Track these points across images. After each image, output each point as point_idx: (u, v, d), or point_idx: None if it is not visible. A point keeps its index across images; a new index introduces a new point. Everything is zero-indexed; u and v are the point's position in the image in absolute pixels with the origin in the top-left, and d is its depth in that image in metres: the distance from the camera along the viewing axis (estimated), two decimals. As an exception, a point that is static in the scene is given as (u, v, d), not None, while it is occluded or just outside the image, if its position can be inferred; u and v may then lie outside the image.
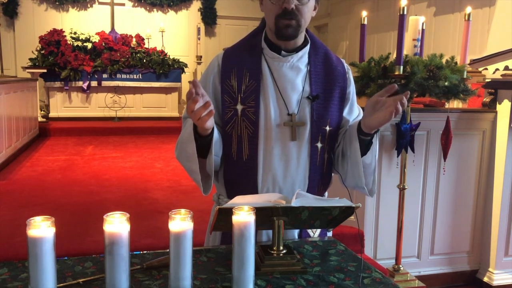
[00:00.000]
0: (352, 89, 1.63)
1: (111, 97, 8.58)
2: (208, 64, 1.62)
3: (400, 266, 3.01)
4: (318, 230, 1.61)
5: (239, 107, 1.50)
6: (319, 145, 1.53)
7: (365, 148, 1.49)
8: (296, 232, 1.57)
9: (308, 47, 1.56)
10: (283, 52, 1.53)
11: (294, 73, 1.53)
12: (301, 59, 1.55)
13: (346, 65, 1.64)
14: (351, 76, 1.63)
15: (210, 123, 1.33)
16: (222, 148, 1.52)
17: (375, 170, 1.54)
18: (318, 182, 1.57)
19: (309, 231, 1.59)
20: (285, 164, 1.51)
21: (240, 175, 1.52)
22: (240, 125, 1.50)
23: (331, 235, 1.67)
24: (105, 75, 8.42)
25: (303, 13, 1.47)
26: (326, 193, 1.65)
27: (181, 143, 1.49)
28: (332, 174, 1.64)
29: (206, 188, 1.50)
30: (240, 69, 1.53)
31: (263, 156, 1.50)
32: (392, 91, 1.39)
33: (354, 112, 1.64)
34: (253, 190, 1.50)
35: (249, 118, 1.50)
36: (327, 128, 1.54)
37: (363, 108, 1.67)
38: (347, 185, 1.57)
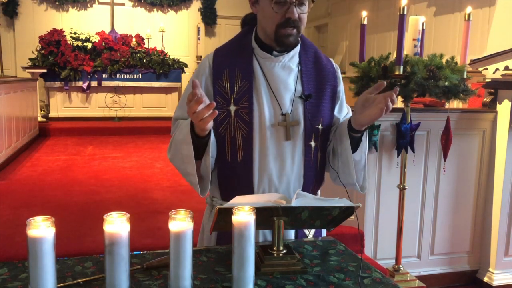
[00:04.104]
0: (341, 87, 1.64)
1: (111, 97, 8.58)
2: (198, 65, 1.60)
3: (400, 266, 3.01)
4: (313, 230, 1.62)
5: (232, 108, 1.50)
6: (312, 144, 1.54)
7: (355, 145, 1.50)
8: (292, 232, 1.58)
9: (298, 46, 1.56)
10: (274, 52, 1.52)
11: (286, 72, 1.53)
12: (292, 58, 1.55)
13: (334, 64, 1.65)
14: (340, 75, 1.65)
15: (211, 123, 1.32)
16: (216, 149, 1.52)
17: (365, 167, 1.55)
18: (312, 181, 1.57)
19: (305, 230, 1.60)
20: (280, 164, 1.51)
21: (235, 177, 1.52)
22: (234, 126, 1.49)
23: (325, 234, 1.68)
24: (105, 75, 8.42)
25: (303, 21, 1.47)
26: (319, 192, 1.66)
27: (176, 144, 1.49)
28: (325, 172, 1.65)
29: (203, 189, 1.49)
30: (232, 69, 1.52)
31: (258, 156, 1.50)
32: (381, 88, 1.39)
33: (343, 110, 1.65)
34: (249, 190, 1.50)
35: (242, 119, 1.49)
36: (320, 126, 1.54)
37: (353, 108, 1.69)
38: (338, 182, 1.58)
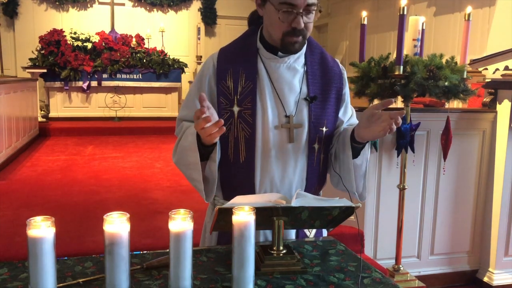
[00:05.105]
0: (347, 90, 1.63)
1: (111, 97, 8.58)
2: (202, 65, 1.59)
3: (400, 266, 3.01)
4: (314, 230, 1.61)
5: (236, 109, 1.48)
6: (316, 146, 1.53)
7: (357, 153, 1.50)
8: (293, 232, 1.57)
9: (304, 47, 1.54)
10: (279, 53, 1.50)
11: (291, 74, 1.51)
12: (298, 59, 1.53)
13: (341, 65, 1.63)
14: (346, 76, 1.63)
15: (218, 137, 1.32)
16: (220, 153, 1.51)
17: (365, 175, 1.55)
18: (315, 183, 1.57)
19: (306, 230, 1.60)
20: (283, 166, 1.50)
21: (237, 177, 1.51)
22: (237, 127, 1.48)
23: (326, 234, 1.67)
24: (105, 75, 8.42)
25: (309, 29, 1.46)
26: (321, 192, 1.65)
27: (181, 150, 1.48)
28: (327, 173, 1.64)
29: (208, 193, 1.49)
30: (236, 70, 1.50)
31: (261, 158, 1.49)
32: (388, 106, 1.38)
33: (348, 112, 1.64)
34: (251, 191, 1.49)
35: (246, 120, 1.47)
36: (324, 129, 1.53)
37: (356, 109, 1.68)
38: (340, 187, 1.57)
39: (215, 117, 1.30)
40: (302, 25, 1.41)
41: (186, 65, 9.02)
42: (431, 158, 3.25)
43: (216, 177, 1.46)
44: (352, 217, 1.41)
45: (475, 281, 3.42)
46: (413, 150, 3.00)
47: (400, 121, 1.35)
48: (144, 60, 8.58)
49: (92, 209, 3.67)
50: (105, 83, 8.45)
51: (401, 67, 2.57)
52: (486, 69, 3.73)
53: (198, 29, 9.90)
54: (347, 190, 1.55)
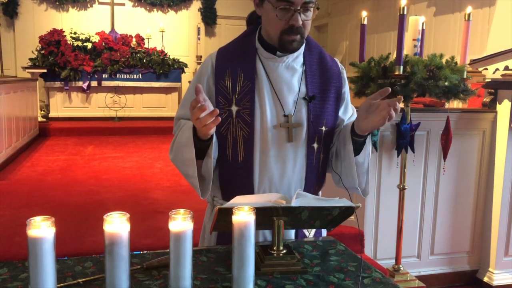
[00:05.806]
0: (346, 88, 1.63)
1: (111, 97, 8.59)
2: (201, 64, 1.59)
3: (400, 266, 3.01)
4: (314, 230, 1.61)
5: (234, 108, 1.48)
6: (315, 145, 1.52)
7: (358, 148, 1.49)
8: (292, 232, 1.57)
9: (303, 47, 1.54)
10: (278, 53, 1.50)
11: (290, 73, 1.51)
12: (297, 59, 1.53)
13: (340, 64, 1.63)
14: (345, 75, 1.63)
15: (213, 129, 1.32)
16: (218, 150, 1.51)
17: (367, 171, 1.55)
18: (314, 183, 1.57)
19: (305, 231, 1.59)
20: (282, 165, 1.50)
21: (236, 177, 1.51)
22: (235, 127, 1.48)
23: (325, 234, 1.67)
24: (105, 75, 8.42)
25: (307, 27, 1.46)
26: (320, 193, 1.65)
27: (178, 146, 1.48)
28: (326, 173, 1.64)
29: (204, 191, 1.49)
30: (235, 69, 1.50)
31: (259, 158, 1.49)
32: (386, 94, 1.38)
33: (348, 111, 1.64)
34: (250, 191, 1.49)
35: (244, 120, 1.47)
36: (323, 128, 1.53)
37: (357, 108, 1.68)
38: (341, 186, 1.57)
39: (210, 108, 1.29)
40: (300, 22, 1.41)
41: (186, 65, 9.02)
42: (431, 158, 3.25)
43: (212, 174, 1.46)
44: (352, 217, 1.41)
45: (475, 281, 3.42)
46: (413, 150, 3.00)
47: (398, 107, 1.35)
48: (144, 60, 8.58)
49: (92, 209, 3.67)
50: (105, 83, 8.45)
51: (401, 67, 2.57)
52: (486, 69, 3.74)
53: (198, 29, 9.90)
54: (347, 189, 1.55)
